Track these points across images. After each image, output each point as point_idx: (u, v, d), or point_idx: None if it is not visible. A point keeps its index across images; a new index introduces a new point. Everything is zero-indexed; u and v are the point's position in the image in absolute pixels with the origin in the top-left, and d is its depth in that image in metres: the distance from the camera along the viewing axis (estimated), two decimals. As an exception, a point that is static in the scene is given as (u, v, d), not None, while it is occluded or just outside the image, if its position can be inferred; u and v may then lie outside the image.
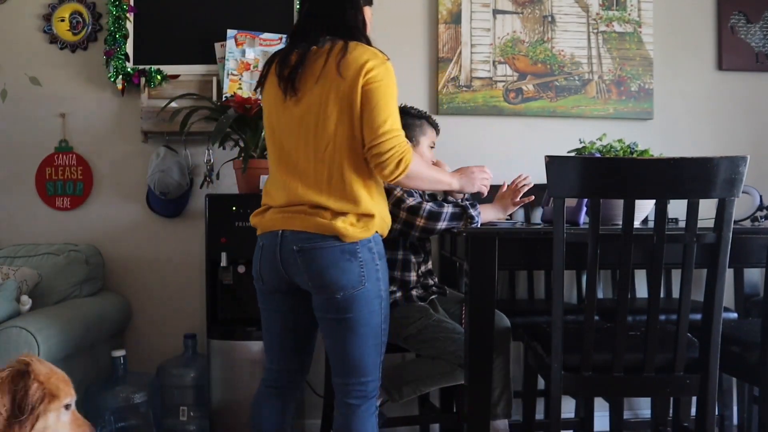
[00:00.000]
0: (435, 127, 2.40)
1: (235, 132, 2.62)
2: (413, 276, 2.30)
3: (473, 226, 2.02)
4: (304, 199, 1.76)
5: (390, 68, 1.76)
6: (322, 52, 1.76)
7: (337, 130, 1.74)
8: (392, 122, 1.73)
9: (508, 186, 2.32)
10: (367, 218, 1.76)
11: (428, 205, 2.10)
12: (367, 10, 1.91)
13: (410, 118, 2.30)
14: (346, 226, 1.72)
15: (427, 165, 1.96)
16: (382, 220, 1.83)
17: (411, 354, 2.32)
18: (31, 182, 2.94)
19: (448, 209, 2.09)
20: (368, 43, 1.81)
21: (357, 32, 1.81)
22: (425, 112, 2.39)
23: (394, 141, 1.72)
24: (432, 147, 2.38)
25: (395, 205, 2.13)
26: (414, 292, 2.28)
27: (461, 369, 2.03)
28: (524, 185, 2.28)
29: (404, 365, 2.24)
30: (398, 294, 2.25)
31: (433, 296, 2.35)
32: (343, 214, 1.73)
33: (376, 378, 1.81)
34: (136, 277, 2.95)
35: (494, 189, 2.99)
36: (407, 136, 2.32)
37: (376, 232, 1.80)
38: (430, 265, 2.44)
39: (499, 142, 3.02)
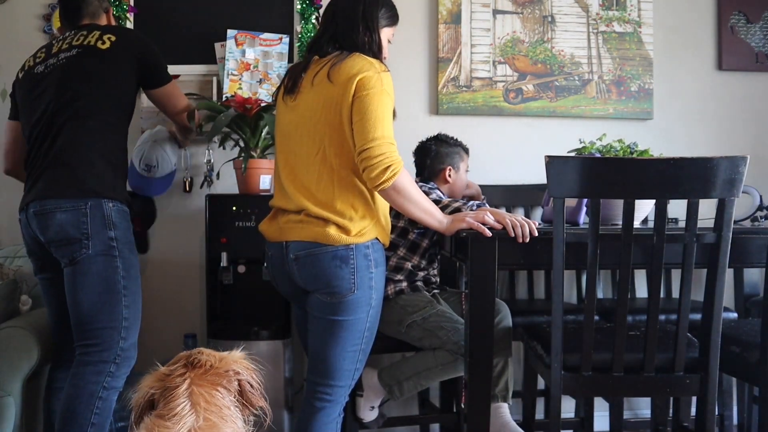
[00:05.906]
0: (467, 152, 2.52)
1: (235, 132, 2.62)
2: (418, 265, 2.34)
3: None
4: (301, 204, 1.78)
5: (385, 78, 1.75)
6: (323, 60, 1.80)
7: (326, 136, 1.76)
8: (383, 130, 1.70)
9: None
10: (361, 224, 1.77)
11: None
12: (388, 31, 1.93)
13: (449, 146, 2.45)
14: (339, 233, 1.74)
15: (417, 189, 1.78)
16: (381, 228, 1.84)
17: (411, 354, 2.32)
18: (31, 182, 2.93)
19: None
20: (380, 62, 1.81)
21: (366, 52, 1.81)
22: (459, 140, 2.50)
23: (384, 147, 1.69)
24: (467, 171, 2.52)
25: None
26: (419, 283, 2.32)
27: (462, 359, 2.04)
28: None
29: (404, 361, 2.25)
30: (404, 283, 2.29)
31: (435, 290, 2.40)
32: (336, 221, 1.74)
33: (345, 385, 1.83)
34: (136, 277, 2.94)
35: (491, 188, 2.98)
36: (450, 164, 2.41)
37: (376, 238, 1.81)
38: (436, 271, 2.48)
39: (499, 142, 3.02)
